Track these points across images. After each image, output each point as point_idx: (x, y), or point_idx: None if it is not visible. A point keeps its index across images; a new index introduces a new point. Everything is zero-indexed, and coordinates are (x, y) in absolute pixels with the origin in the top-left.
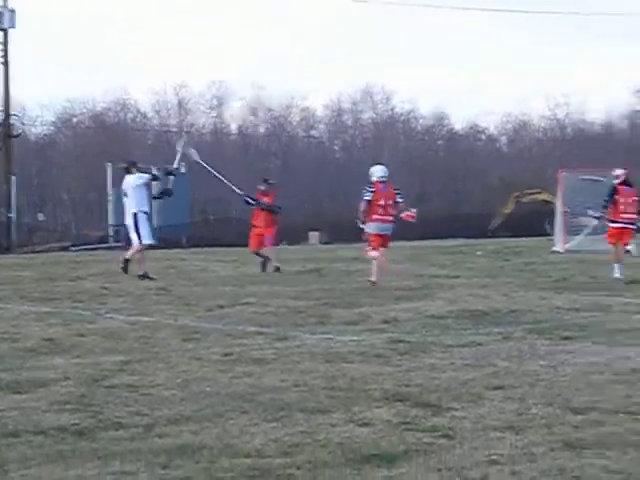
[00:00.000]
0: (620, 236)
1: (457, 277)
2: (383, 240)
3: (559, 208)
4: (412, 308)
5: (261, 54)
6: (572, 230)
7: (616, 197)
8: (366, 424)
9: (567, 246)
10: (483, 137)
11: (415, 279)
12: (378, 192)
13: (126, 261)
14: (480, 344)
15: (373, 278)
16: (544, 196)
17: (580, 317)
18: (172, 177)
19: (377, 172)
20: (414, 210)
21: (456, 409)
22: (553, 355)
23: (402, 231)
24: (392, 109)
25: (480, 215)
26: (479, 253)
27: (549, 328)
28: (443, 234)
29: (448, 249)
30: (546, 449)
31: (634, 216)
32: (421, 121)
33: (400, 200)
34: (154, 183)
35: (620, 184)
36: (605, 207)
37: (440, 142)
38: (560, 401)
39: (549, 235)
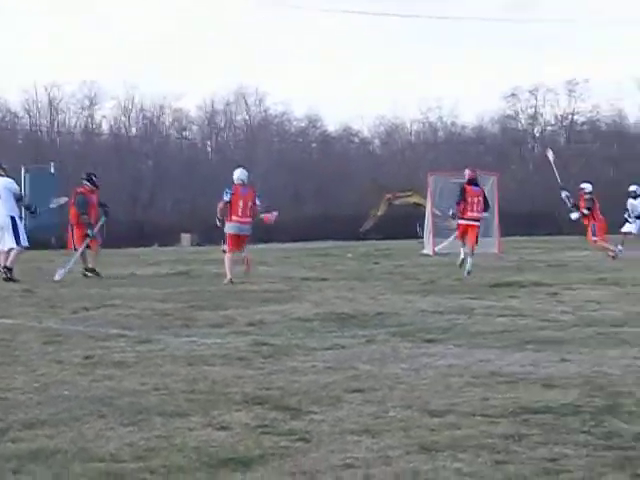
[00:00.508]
0: (465, 233)
1: (326, 280)
2: (239, 241)
3: (428, 211)
4: (279, 310)
5: (134, 54)
6: (442, 233)
7: (465, 196)
8: (224, 428)
9: (437, 249)
10: (356, 140)
11: (284, 281)
12: (237, 194)
13: (8, 270)
14: (344, 347)
15: (228, 276)
16: (415, 199)
17: (444, 320)
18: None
19: (237, 175)
20: (275, 213)
21: (315, 412)
22: (415, 358)
23: (275, 233)
24: (265, 111)
25: (352, 217)
26: (349, 255)
27: (412, 331)
28: (315, 236)
29: (319, 251)
30: (401, 452)
31: (479, 214)
32: (295, 123)
33: (258, 203)
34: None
35: (468, 184)
36: (457, 205)
37: (314, 144)
38: (419, 404)
39: (420, 238)
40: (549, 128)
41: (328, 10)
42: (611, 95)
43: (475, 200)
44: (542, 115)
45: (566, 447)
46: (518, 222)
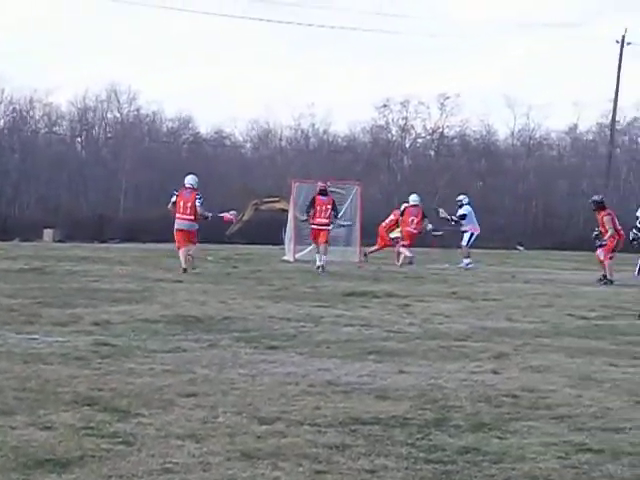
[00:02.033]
0: (317, 236)
1: (180, 282)
2: (181, 235)
3: (291, 217)
4: (127, 311)
5: (3, 45)
6: (304, 240)
7: (314, 204)
8: (48, 428)
9: (298, 255)
10: (228, 143)
11: (138, 282)
12: (181, 195)
13: None
14: (185, 350)
15: (183, 266)
16: (282, 205)
17: (290, 327)
18: None
19: (186, 180)
20: (233, 212)
21: (144, 415)
22: (254, 364)
23: (138, 233)
24: (138, 109)
25: (220, 220)
26: (210, 258)
27: (257, 337)
28: None
29: None
30: (222, 459)
31: (327, 220)
32: (166, 123)
33: (198, 204)
34: None
35: (318, 194)
36: (307, 213)
37: (185, 145)
38: (249, 410)
39: (284, 244)
40: (419, 140)
41: (193, 11)
42: (481, 110)
43: (324, 208)
44: (413, 127)
45: (388, 459)
46: None
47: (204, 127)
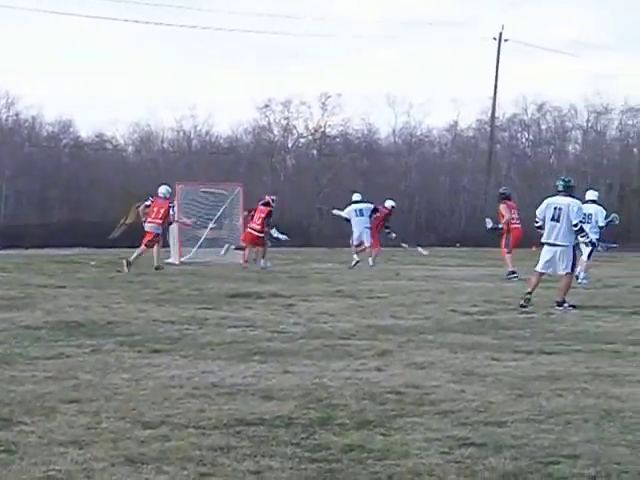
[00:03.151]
0: (250, 240)
1: (64, 287)
2: (151, 235)
3: (176, 220)
4: (8, 318)
5: None
6: (190, 242)
7: (253, 211)
8: None
9: (183, 258)
10: (109, 146)
11: (20, 288)
12: (155, 202)
13: None
14: (68, 356)
15: (155, 264)
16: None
17: (174, 330)
18: None
19: (159, 190)
20: (192, 219)
21: (26, 423)
22: (138, 368)
23: (19, 239)
24: (17, 114)
25: (102, 224)
26: (93, 263)
27: (141, 341)
28: (63, 243)
29: (63, 258)
30: (106, 464)
31: (258, 227)
32: (46, 128)
33: (171, 213)
34: None
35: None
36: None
37: (65, 150)
38: (133, 415)
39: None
40: (302, 140)
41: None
42: (362, 109)
43: (258, 215)
44: (295, 127)
45: (273, 459)
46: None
47: (85, 131)
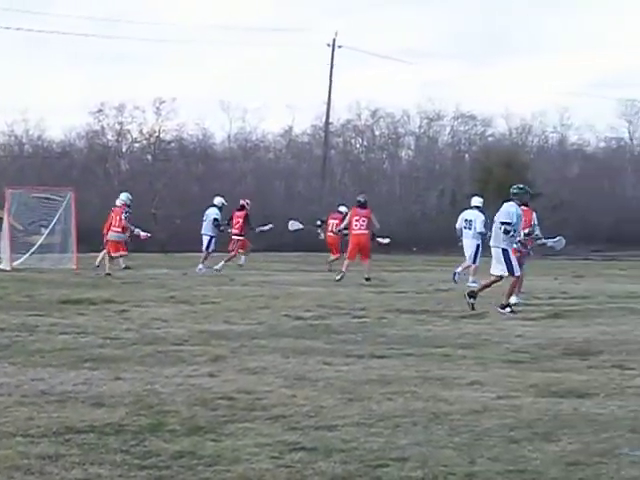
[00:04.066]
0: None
1: None
2: (112, 244)
3: (6, 225)
4: None
5: None
6: (22, 248)
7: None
8: None
9: (15, 264)
10: None
11: None
12: (114, 212)
13: None
14: None
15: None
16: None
17: (4, 337)
18: None
19: (120, 197)
20: (146, 234)
21: None
22: None
23: None
24: None
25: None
26: None
27: None
28: None
29: None
30: None
31: (237, 231)
32: None
33: (123, 218)
34: None
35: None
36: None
37: None
38: None
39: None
40: (136, 145)
41: None
42: (197, 114)
43: (235, 221)
44: (129, 131)
45: (102, 467)
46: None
47: None
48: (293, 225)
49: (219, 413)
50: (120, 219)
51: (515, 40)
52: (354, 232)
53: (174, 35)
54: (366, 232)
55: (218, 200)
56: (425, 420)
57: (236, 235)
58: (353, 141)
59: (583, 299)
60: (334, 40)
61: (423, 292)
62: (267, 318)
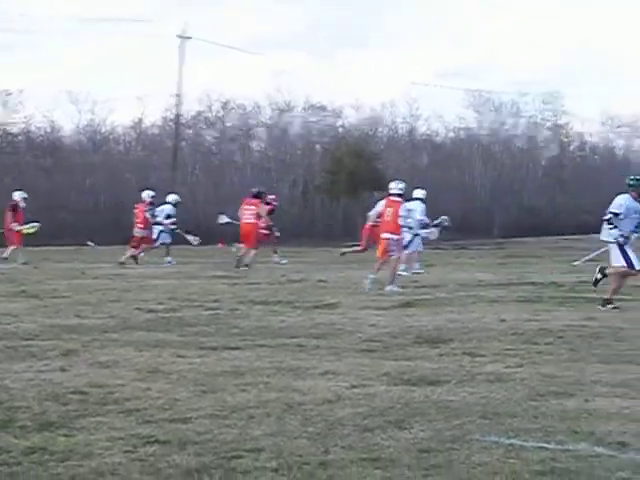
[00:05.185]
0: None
1: None
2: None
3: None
4: None
5: None
6: None
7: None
8: None
9: None
10: None
11: None
12: (139, 208)
13: None
14: None
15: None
16: None
17: None
18: None
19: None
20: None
21: None
22: None
23: None
24: None
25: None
26: None
27: None
28: None
29: None
30: None
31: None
32: None
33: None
34: None
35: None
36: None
37: None
38: None
39: None
40: None
41: None
42: (45, 107)
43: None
44: None
45: None
46: None
47: None
48: (222, 219)
49: (71, 408)
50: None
51: (365, 31)
52: (242, 221)
53: (19, 25)
54: (253, 222)
55: (172, 197)
56: (279, 411)
57: (140, 229)
58: (204, 132)
59: (434, 288)
60: (184, 31)
61: (275, 283)
62: (119, 311)
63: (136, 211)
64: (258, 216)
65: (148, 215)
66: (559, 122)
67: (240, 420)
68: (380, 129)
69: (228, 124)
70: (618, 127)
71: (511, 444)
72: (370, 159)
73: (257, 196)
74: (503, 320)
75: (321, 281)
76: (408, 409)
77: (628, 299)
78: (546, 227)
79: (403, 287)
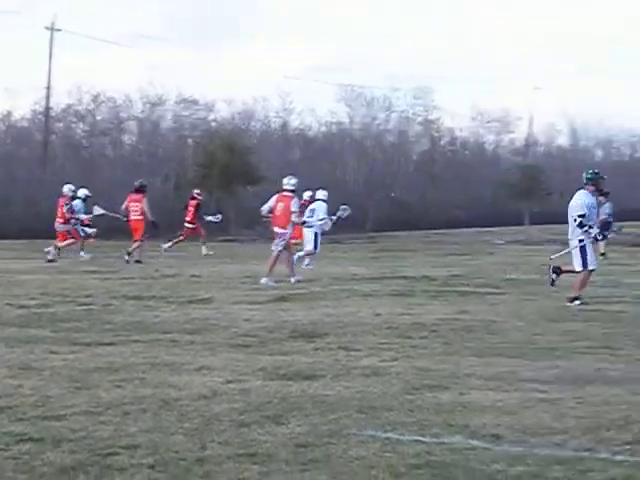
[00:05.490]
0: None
1: None
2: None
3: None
4: None
5: None
6: None
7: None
8: None
9: None
10: None
11: None
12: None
13: None
14: None
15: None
16: None
17: None
18: None
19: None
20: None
21: None
22: None
23: None
24: None
25: None
26: None
27: None
28: None
29: None
30: None
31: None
32: None
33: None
34: None
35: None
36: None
37: None
38: None
39: None
40: None
41: None
42: None
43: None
44: None
45: None
46: None
47: None
48: (96, 210)
49: None
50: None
51: (237, 25)
52: (130, 217)
53: None
54: (140, 217)
55: (82, 192)
56: (155, 407)
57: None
58: (74, 126)
59: (308, 282)
60: (53, 23)
61: (149, 278)
62: None
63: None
64: (142, 211)
65: (66, 210)
66: (430, 117)
67: (115, 417)
68: (253, 123)
69: (99, 117)
70: (488, 122)
71: (387, 438)
72: (243, 153)
73: (140, 190)
74: (378, 314)
75: (194, 276)
76: (285, 404)
77: (498, 292)
78: (417, 222)
79: (277, 282)
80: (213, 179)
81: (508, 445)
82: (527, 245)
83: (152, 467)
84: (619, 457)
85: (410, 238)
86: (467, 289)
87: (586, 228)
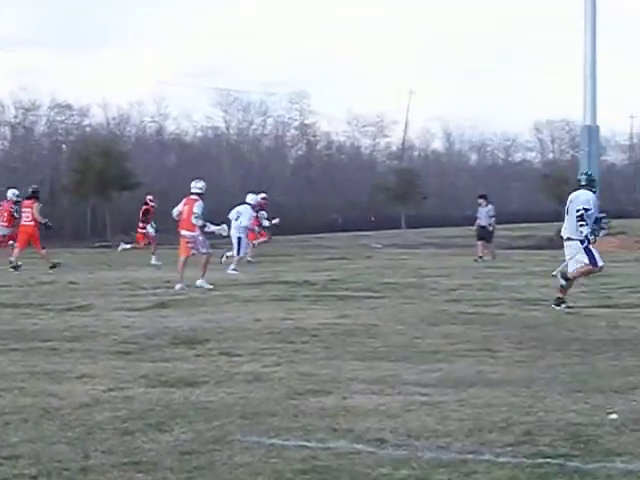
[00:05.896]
0: None
1: None
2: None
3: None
4: None
5: None
6: None
7: None
8: None
9: None
10: None
11: None
12: (4, 206)
13: None
14: None
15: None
16: None
17: None
18: None
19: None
20: None
21: None
22: None
23: None
24: None
25: None
26: None
27: None
28: None
29: None
30: None
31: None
32: None
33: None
34: None
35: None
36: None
37: None
38: None
39: None
40: None
41: None
42: None
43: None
44: None
45: None
46: None
47: None
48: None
49: None
50: (8, 214)
51: (110, 30)
52: (22, 223)
53: None
54: (32, 224)
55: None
56: (35, 416)
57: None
58: None
59: (187, 287)
60: None
61: (25, 285)
62: None
63: (0, 209)
64: (33, 217)
65: (15, 213)
66: (306, 121)
67: None
68: (128, 128)
69: None
70: (363, 127)
71: (272, 444)
72: (118, 158)
73: (32, 196)
74: (258, 319)
75: (72, 283)
76: (168, 411)
77: (378, 296)
78: (294, 226)
79: (156, 288)
80: (88, 185)
81: (392, 449)
82: (404, 249)
83: (35, 477)
84: (502, 459)
85: (288, 243)
86: (347, 293)
87: (582, 223)
